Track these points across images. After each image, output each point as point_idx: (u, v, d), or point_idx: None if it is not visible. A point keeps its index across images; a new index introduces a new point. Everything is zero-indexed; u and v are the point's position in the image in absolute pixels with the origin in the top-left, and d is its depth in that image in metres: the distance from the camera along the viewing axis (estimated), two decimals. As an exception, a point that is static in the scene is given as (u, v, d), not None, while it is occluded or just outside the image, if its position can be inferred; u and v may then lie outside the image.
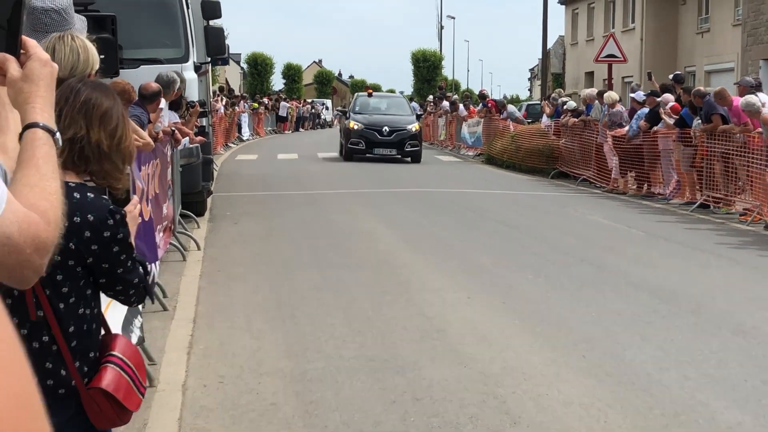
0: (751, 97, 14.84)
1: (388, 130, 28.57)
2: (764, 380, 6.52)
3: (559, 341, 7.52)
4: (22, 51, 1.99)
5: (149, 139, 8.45)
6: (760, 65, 29.71)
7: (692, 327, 8.03)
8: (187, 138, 12.09)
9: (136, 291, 3.01)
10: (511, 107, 31.31)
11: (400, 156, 28.63)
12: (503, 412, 5.81)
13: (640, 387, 6.33)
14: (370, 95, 33.40)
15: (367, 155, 28.58)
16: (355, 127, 28.96)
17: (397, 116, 30.10)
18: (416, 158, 28.82)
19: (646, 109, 19.04)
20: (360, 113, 30.27)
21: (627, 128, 19.58)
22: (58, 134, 2.05)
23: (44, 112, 2.01)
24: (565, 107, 23.88)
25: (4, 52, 1.98)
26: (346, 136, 29.30)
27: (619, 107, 20.73)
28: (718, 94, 16.05)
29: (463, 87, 78.02)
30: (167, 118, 11.21)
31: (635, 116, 19.34)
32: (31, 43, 2.02)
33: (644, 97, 19.60)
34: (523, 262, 11.08)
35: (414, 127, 29.15)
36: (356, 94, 34.89)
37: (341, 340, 7.49)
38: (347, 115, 31.23)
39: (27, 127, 2.00)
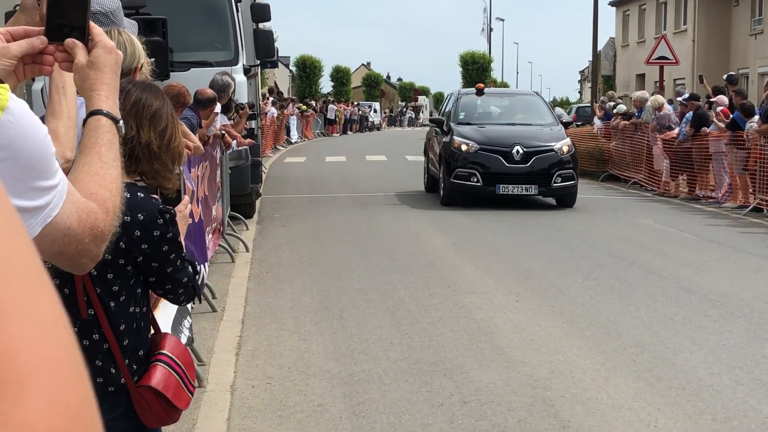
0: None
1: (521, 151, 17.09)
2: (818, 386, 6.41)
3: (609, 345, 7.45)
4: (89, 38, 2.01)
5: (199, 143, 8.50)
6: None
7: (744, 332, 7.92)
8: (236, 141, 12.15)
9: (185, 290, 3.02)
10: (558, 110, 31.10)
11: (541, 195, 17.54)
12: (552, 416, 5.77)
13: (691, 391, 6.25)
14: (480, 93, 20.03)
15: (487, 192, 17.15)
16: (465, 147, 17.31)
17: (533, 127, 18.35)
18: (568, 200, 17.43)
19: (690, 113, 18.85)
20: (467, 123, 18.35)
21: (677, 131, 19.39)
22: (121, 122, 2.06)
23: (109, 99, 2.02)
24: (615, 111, 23.70)
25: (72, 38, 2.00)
26: (447, 163, 17.40)
27: (666, 110, 20.52)
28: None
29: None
30: (219, 122, 11.28)
31: (684, 119, 19.15)
32: (97, 30, 2.04)
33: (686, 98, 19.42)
34: (572, 265, 11.01)
35: (564, 145, 17.59)
36: (456, 91, 21.02)
37: (388, 342, 7.48)
38: (445, 126, 18.72)
39: (91, 114, 2.01)
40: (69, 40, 2.00)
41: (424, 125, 62.56)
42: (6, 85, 1.68)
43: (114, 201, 1.94)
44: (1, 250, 0.61)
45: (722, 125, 17.76)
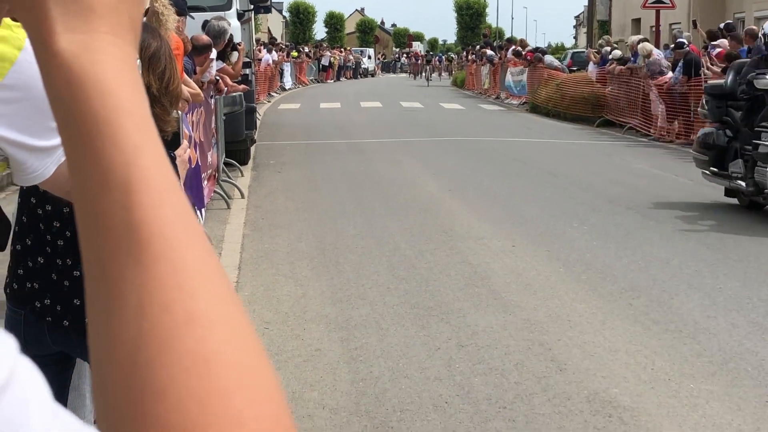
0: None
1: None
2: (814, 329, 6.44)
3: (605, 289, 7.47)
4: None
5: (199, 91, 8.43)
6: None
7: (740, 275, 7.93)
8: (227, 87, 12.06)
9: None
10: (549, 57, 30.89)
11: None
12: (549, 359, 5.79)
13: (688, 334, 6.27)
14: None
15: None
16: None
17: None
18: None
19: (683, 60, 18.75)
20: None
21: (669, 75, 19.31)
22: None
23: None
24: (611, 56, 23.57)
25: None
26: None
27: (655, 56, 20.44)
28: (747, 32, 15.77)
29: (507, 35, 77.24)
30: (215, 68, 11.20)
31: (679, 65, 19.05)
32: None
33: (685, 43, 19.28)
34: (568, 210, 11.00)
35: None
36: None
37: (385, 287, 7.49)
38: None
39: None
40: None
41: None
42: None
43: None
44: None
45: (717, 70, 17.67)
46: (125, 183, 0.61)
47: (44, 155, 1.72)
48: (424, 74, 57.55)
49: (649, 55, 20.24)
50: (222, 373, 0.57)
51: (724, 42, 18.47)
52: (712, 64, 18.00)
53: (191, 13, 11.87)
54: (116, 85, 0.63)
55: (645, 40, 22.03)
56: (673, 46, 19.38)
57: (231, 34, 12.14)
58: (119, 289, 0.59)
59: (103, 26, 0.64)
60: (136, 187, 0.61)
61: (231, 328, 0.60)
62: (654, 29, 27.44)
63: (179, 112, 3.24)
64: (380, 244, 9.11)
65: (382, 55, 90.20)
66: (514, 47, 33.93)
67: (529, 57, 30.48)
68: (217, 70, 11.29)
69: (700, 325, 6.48)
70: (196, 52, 9.82)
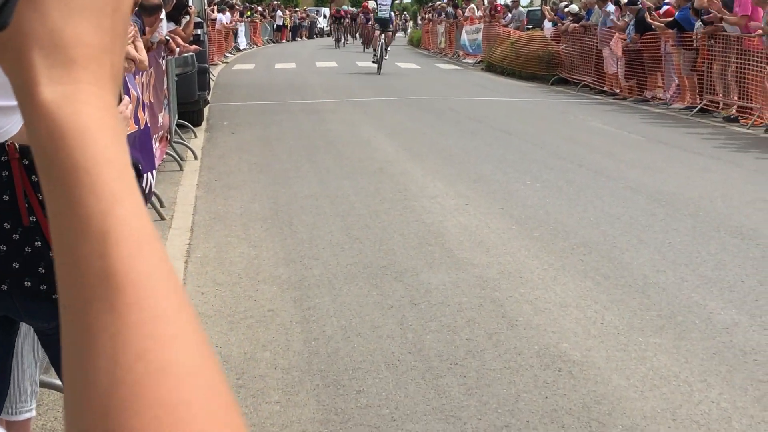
0: None
1: None
2: (761, 281, 6.54)
3: (557, 245, 7.52)
4: None
5: (145, 57, 8.32)
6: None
7: (690, 230, 8.03)
8: (179, 48, 11.93)
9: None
10: (520, 10, 30.68)
11: None
12: (500, 315, 5.83)
13: (637, 289, 6.35)
14: None
15: None
16: None
17: None
18: None
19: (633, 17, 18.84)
20: None
21: (626, 32, 19.42)
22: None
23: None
24: (567, 10, 23.59)
25: None
26: None
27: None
28: None
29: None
30: (165, 29, 11.05)
31: (632, 22, 19.13)
32: None
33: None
34: (521, 168, 11.04)
35: None
36: None
37: (339, 247, 7.49)
38: None
39: None
40: None
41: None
42: None
43: None
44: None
45: (661, 25, 17.80)
46: (103, 232, 0.63)
47: (11, 112, 1.70)
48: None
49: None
50: (192, 424, 0.58)
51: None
52: (652, 19, 18.14)
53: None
54: (97, 135, 0.64)
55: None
56: (626, 1, 19.44)
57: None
58: (94, 335, 0.61)
59: (85, 77, 0.66)
60: (113, 236, 0.63)
61: (203, 378, 0.61)
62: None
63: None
64: (334, 204, 9.10)
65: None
66: (471, 5, 33.87)
67: (499, 8, 30.33)
68: (168, 32, 11.16)
69: (649, 280, 6.55)
70: (146, 12, 9.68)
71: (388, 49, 29.41)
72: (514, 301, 6.10)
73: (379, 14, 30.09)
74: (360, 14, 51.22)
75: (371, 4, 41.67)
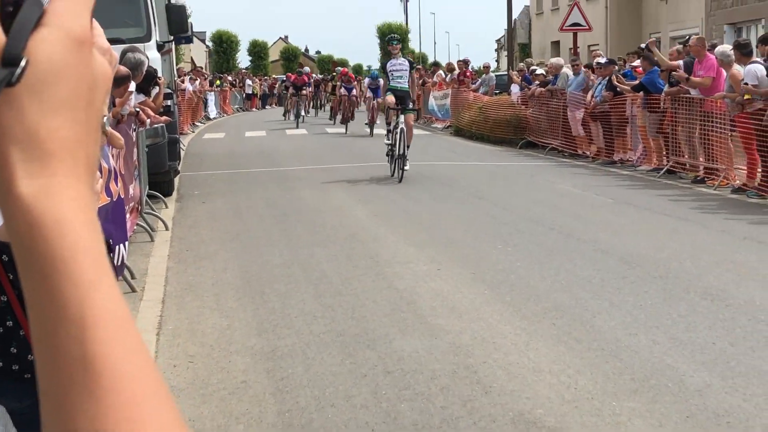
0: (726, 47, 15.18)
1: None
2: (732, 342, 6.58)
3: (529, 309, 7.55)
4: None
5: (119, 136, 8.33)
6: (725, 30, 29.84)
7: (660, 292, 8.08)
8: (149, 120, 11.97)
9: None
10: (490, 75, 31.01)
11: None
12: (474, 382, 5.83)
13: (610, 352, 6.36)
14: None
15: None
16: None
17: None
18: None
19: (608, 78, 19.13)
20: None
21: (589, 94, 19.71)
22: (106, 118, 2.05)
23: None
24: (535, 72, 23.88)
25: None
26: None
27: (565, 70, 21.22)
28: (698, 41, 16.18)
29: (431, 60, 77.74)
30: (134, 100, 11.10)
31: (599, 83, 19.43)
32: (97, 30, 2.03)
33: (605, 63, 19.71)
34: (492, 232, 11.10)
35: None
36: None
37: (311, 315, 7.48)
38: None
39: None
40: None
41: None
42: None
43: None
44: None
45: (627, 88, 18.10)
46: (80, 318, 0.66)
47: None
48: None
49: (558, 69, 20.93)
50: None
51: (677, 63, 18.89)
52: (618, 82, 18.47)
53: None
54: (73, 225, 0.68)
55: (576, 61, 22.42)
56: (605, 61, 19.76)
57: (155, 69, 12.06)
58: (73, 419, 0.63)
59: (61, 169, 0.68)
60: (91, 322, 0.66)
61: None
62: (572, 51, 27.89)
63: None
64: (306, 272, 9.10)
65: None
66: (439, 71, 34.24)
67: (468, 75, 30.63)
68: (138, 103, 11.21)
69: (621, 343, 6.58)
70: (114, 83, 9.70)
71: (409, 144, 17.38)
72: (488, 367, 6.10)
73: (394, 84, 17.37)
74: (339, 83, 36.47)
75: (362, 80, 35.59)
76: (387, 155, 17.49)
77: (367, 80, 32.96)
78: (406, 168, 16.96)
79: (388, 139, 17.59)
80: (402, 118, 17.13)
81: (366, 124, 30.69)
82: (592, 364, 6.14)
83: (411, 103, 18.05)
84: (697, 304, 7.67)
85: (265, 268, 9.34)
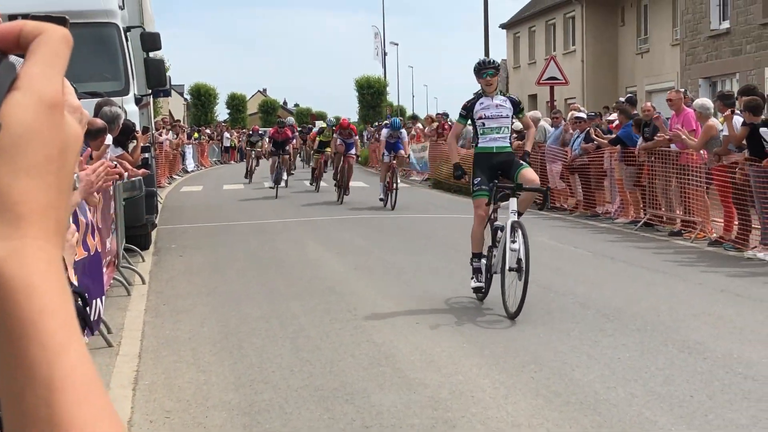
0: (705, 100, 15.34)
1: None
2: (710, 395, 6.57)
3: (508, 363, 7.53)
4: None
5: (96, 197, 8.31)
6: (699, 83, 30.22)
7: (638, 344, 8.08)
8: (128, 172, 11.95)
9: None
10: (468, 128, 31.21)
11: None
12: (453, 436, 5.79)
13: (588, 406, 6.35)
14: None
15: None
16: None
17: None
18: None
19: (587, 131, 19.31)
20: None
21: (569, 148, 19.87)
22: (77, 175, 2.09)
23: None
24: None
25: None
26: None
27: (543, 123, 21.45)
28: (674, 95, 16.38)
29: (409, 112, 78.23)
30: (111, 154, 11.09)
31: (577, 137, 19.59)
32: (68, 89, 2.08)
33: (584, 117, 19.92)
34: (470, 284, 11.08)
35: None
36: None
37: (289, 370, 7.43)
38: None
39: None
40: None
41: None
42: None
43: None
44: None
45: (604, 141, 18.27)
46: (48, 380, 0.66)
47: None
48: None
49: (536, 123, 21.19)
50: None
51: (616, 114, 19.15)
52: (596, 135, 18.66)
53: (88, 99, 11.82)
54: (42, 288, 0.68)
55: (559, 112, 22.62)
56: (586, 116, 19.97)
57: (132, 122, 12.09)
58: None
59: (31, 232, 0.69)
60: (59, 384, 0.66)
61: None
62: (549, 105, 28.14)
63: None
64: (284, 326, 9.06)
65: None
66: (418, 124, 34.43)
67: (446, 128, 30.73)
68: (116, 157, 11.20)
69: (600, 396, 6.57)
70: (90, 136, 9.72)
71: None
72: (467, 422, 6.07)
73: (487, 142, 11.02)
74: (334, 135, 26.50)
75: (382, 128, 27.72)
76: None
77: (385, 132, 24.47)
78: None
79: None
80: (513, 204, 10.18)
81: (380, 198, 22.42)
82: (571, 417, 6.12)
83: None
84: (674, 356, 7.68)
85: (243, 321, 9.29)
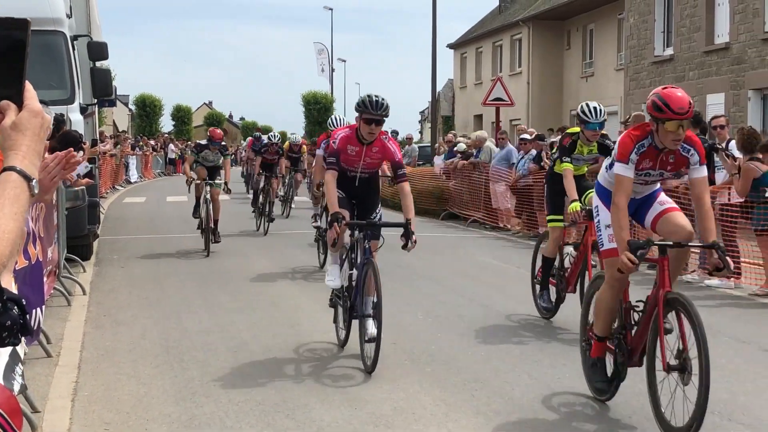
0: None
1: None
2: (648, 417, 6.66)
3: (449, 381, 7.56)
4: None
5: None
6: (642, 108, 30.63)
7: (579, 365, 8.14)
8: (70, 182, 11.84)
9: (10, 333, 2.92)
10: (413, 146, 31.51)
11: None
12: (393, 452, 5.81)
13: (528, 425, 6.40)
14: None
15: None
16: None
17: None
18: None
19: (534, 151, 19.46)
20: None
21: (515, 168, 20.05)
22: (35, 181, 2.13)
23: (26, 159, 2.11)
24: (455, 149, 24.21)
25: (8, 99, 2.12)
26: None
27: (488, 144, 21.69)
28: (636, 117, 16.65)
29: (355, 129, 78.13)
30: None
31: (524, 157, 19.77)
32: (30, 93, 2.09)
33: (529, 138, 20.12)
34: (413, 302, 11.14)
35: None
36: None
37: (230, 383, 7.40)
38: None
39: (4, 169, 2.10)
40: (4, 102, 2.11)
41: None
42: None
43: (2, 249, 2.03)
44: None
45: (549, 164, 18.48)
46: None
47: None
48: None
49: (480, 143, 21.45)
50: None
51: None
52: (547, 158, 18.83)
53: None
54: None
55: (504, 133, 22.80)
56: (533, 137, 20.13)
57: (79, 133, 11.96)
58: None
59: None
60: None
61: None
62: (495, 125, 28.37)
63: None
64: (226, 339, 9.02)
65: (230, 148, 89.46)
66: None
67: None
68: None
69: (539, 416, 6.62)
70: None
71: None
72: (408, 438, 6.09)
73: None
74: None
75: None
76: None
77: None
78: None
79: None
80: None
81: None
82: (511, 435, 6.16)
83: None
84: (614, 377, 7.75)
85: (184, 335, 9.23)
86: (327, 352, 8.53)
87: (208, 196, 16.08)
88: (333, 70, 75.05)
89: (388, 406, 6.79)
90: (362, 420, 6.45)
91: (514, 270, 14.32)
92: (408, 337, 9.19)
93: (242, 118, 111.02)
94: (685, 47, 29.09)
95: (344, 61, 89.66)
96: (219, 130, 17.53)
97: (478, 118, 47.50)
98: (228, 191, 16.89)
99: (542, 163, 18.91)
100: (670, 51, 30.18)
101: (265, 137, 25.09)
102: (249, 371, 7.79)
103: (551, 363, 8.18)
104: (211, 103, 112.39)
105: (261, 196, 20.52)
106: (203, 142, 17.36)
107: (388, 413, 6.63)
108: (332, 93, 74.92)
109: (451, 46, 54.65)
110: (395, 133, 32.69)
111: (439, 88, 45.66)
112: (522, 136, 20.76)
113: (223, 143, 17.14)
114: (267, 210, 19.78)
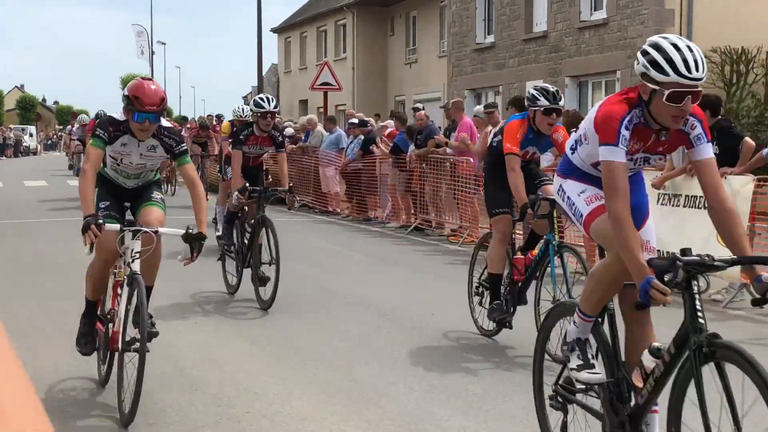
0: (481, 107, 16.12)
1: None
2: (484, 388, 6.89)
3: (290, 360, 7.62)
4: None
5: None
6: (465, 95, 31.32)
7: (415, 341, 8.35)
8: None
9: None
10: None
11: None
12: (239, 431, 5.82)
13: (370, 400, 6.52)
14: None
15: None
16: None
17: None
18: None
19: (362, 137, 19.67)
20: None
21: (346, 153, 20.20)
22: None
23: None
24: (284, 132, 24.18)
25: None
26: None
27: (320, 128, 21.93)
28: (454, 104, 17.01)
29: (176, 113, 76.99)
30: None
31: (353, 142, 19.94)
32: None
33: (356, 122, 20.32)
34: (251, 286, 11.09)
35: None
36: None
37: (64, 369, 7.23)
38: None
39: None
40: None
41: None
42: None
43: None
44: None
45: (385, 149, 18.70)
46: None
47: None
48: None
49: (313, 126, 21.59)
50: None
51: (391, 123, 19.62)
52: (377, 144, 19.07)
53: None
54: None
55: (331, 119, 22.85)
56: (358, 122, 20.28)
57: None
58: None
59: None
60: None
61: None
62: (322, 110, 28.47)
63: None
64: (58, 326, 8.79)
65: (44, 133, 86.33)
66: (187, 125, 33.90)
67: (218, 130, 30.51)
68: None
69: (381, 390, 6.76)
70: None
71: None
72: (252, 417, 6.11)
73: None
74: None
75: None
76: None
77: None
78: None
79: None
80: None
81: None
82: (354, 411, 6.27)
83: None
84: (449, 352, 7.99)
85: (14, 321, 8.94)
86: (164, 338, 8.42)
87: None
88: (153, 53, 73.59)
89: (229, 387, 6.81)
90: (204, 401, 6.45)
91: (346, 253, 14.47)
92: (245, 320, 9.25)
93: (56, 102, 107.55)
94: (506, 35, 29.90)
95: (164, 44, 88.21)
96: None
97: (303, 103, 47.54)
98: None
99: (370, 149, 19.13)
100: (491, 39, 30.96)
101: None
102: (84, 357, 7.61)
103: (388, 341, 8.34)
104: (23, 86, 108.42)
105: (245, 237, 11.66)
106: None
107: (230, 394, 6.64)
108: (153, 76, 73.40)
109: (274, 30, 54.37)
110: (219, 118, 32.28)
111: (263, 72, 45.43)
112: (350, 120, 20.93)
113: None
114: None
